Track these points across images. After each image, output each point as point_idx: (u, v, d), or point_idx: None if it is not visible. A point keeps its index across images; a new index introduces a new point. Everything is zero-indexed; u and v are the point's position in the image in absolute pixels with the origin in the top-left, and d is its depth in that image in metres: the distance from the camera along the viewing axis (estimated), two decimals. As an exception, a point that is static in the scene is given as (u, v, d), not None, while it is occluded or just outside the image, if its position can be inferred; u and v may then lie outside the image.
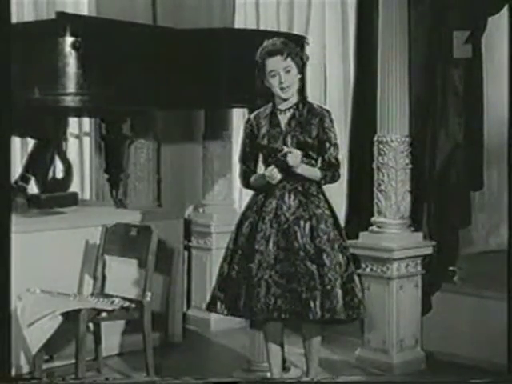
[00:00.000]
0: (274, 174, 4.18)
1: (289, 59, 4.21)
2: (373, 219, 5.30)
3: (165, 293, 5.80)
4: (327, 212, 4.24)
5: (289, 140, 4.23)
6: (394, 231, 5.24)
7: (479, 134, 5.56)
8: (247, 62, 5.45)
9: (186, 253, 6.25)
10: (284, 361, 4.70)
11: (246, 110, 6.24)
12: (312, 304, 4.09)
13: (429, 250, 5.35)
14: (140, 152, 6.33)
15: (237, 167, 6.54)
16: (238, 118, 6.58)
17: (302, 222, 4.18)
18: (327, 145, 4.25)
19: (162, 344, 5.68)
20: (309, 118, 4.26)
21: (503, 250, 4.66)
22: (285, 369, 4.78)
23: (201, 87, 5.35)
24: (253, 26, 6.59)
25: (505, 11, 4.93)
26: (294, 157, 4.14)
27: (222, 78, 5.41)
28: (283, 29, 6.47)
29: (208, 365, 5.46)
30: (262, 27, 6.55)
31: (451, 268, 5.48)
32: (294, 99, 4.29)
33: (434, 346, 5.34)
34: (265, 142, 4.28)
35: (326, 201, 4.28)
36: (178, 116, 6.55)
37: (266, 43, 4.29)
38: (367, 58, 5.65)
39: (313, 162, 4.26)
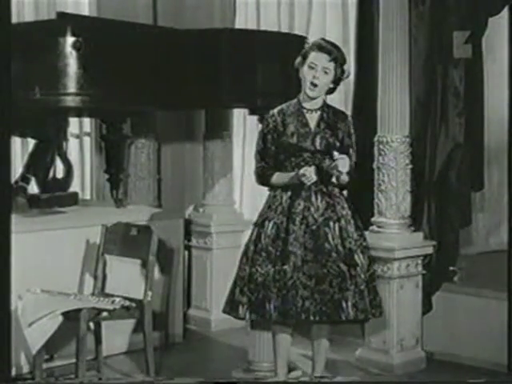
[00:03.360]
0: (311, 174, 4.12)
1: (332, 63, 4.21)
2: (373, 219, 5.30)
3: (165, 292, 5.79)
4: (350, 213, 4.26)
5: (317, 140, 4.23)
6: (394, 231, 5.24)
7: (479, 133, 5.56)
8: (247, 62, 5.48)
9: (186, 253, 6.25)
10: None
11: (246, 110, 6.26)
12: (344, 305, 4.09)
13: (429, 250, 5.35)
14: (140, 152, 6.33)
15: (237, 167, 6.61)
16: (238, 117, 6.59)
17: (331, 224, 4.18)
18: (351, 150, 4.28)
19: (162, 344, 5.68)
20: (335, 121, 4.28)
21: (503, 250, 4.66)
22: (290, 370, 4.76)
23: (201, 87, 5.35)
24: (253, 26, 6.59)
25: (505, 11, 4.94)
26: (345, 163, 4.09)
27: (222, 77, 5.41)
28: (284, 29, 6.47)
29: (208, 365, 5.46)
30: (262, 27, 6.54)
31: (451, 268, 5.48)
32: (320, 102, 4.29)
33: (435, 345, 5.34)
34: (294, 140, 4.24)
35: (347, 201, 4.30)
36: (178, 116, 6.55)
37: (320, 39, 4.32)
38: (367, 58, 5.65)
39: None
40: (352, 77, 6.03)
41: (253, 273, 4.18)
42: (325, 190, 4.23)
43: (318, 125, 4.25)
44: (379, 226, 5.26)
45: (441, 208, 5.46)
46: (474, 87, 5.46)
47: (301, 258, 4.12)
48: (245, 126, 6.63)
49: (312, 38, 6.10)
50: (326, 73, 4.21)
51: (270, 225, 4.21)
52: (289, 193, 4.22)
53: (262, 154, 4.32)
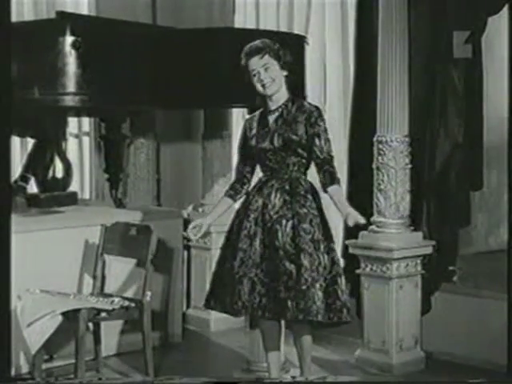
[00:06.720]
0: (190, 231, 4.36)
1: (266, 56, 4.19)
2: (372, 219, 5.29)
3: (164, 292, 5.79)
4: (313, 212, 4.20)
5: (275, 138, 4.22)
6: (393, 231, 5.24)
7: (479, 133, 5.56)
8: (247, 62, 5.45)
9: (185, 252, 6.25)
10: (283, 362, 4.69)
11: (245, 110, 6.25)
12: (289, 304, 4.07)
13: (428, 250, 5.35)
14: (140, 152, 6.33)
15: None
16: (238, 118, 6.58)
17: (284, 221, 4.17)
18: (316, 140, 4.20)
19: (161, 344, 5.68)
20: (296, 115, 4.23)
21: (503, 250, 4.67)
22: (283, 369, 4.76)
23: (201, 87, 5.34)
24: (253, 26, 6.59)
25: (505, 11, 4.94)
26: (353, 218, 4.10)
27: (222, 77, 5.40)
28: (283, 28, 6.47)
29: (208, 365, 5.46)
30: (261, 27, 6.55)
31: (451, 268, 5.48)
32: (283, 98, 4.27)
33: (434, 346, 5.34)
34: (253, 142, 4.28)
35: (315, 201, 4.23)
36: (178, 116, 6.55)
37: (246, 46, 4.27)
38: (367, 58, 5.65)
39: (303, 160, 4.23)
40: (352, 76, 6.04)
41: (219, 268, 4.29)
42: (287, 187, 4.21)
43: (276, 122, 4.24)
44: (378, 226, 5.26)
45: (440, 208, 5.46)
46: (473, 87, 5.46)
47: (259, 255, 4.15)
48: (244, 126, 6.63)
49: (311, 38, 6.13)
50: (266, 68, 4.19)
51: (237, 222, 4.30)
52: (254, 190, 4.29)
53: (237, 161, 4.45)
